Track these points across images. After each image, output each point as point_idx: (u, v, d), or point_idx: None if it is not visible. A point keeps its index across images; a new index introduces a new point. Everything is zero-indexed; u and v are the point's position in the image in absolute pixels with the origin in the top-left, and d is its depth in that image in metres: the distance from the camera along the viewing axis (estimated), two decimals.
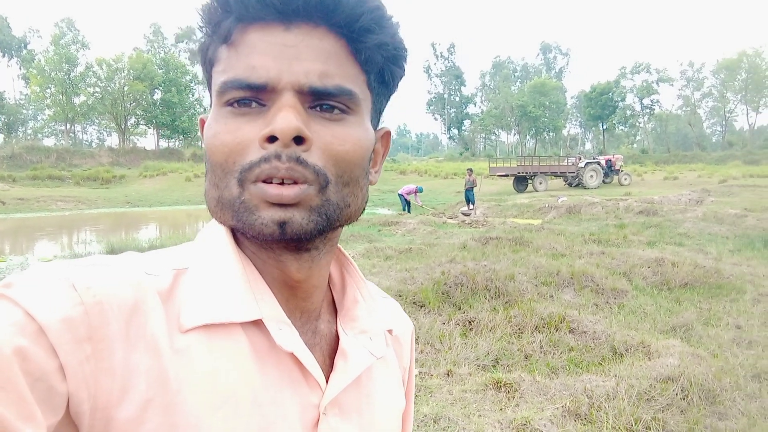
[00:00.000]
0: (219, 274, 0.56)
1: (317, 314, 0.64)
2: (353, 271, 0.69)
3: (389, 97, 0.64)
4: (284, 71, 0.52)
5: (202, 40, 0.57)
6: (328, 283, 0.67)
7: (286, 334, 0.56)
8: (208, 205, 0.57)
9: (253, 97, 0.53)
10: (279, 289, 0.59)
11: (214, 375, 0.52)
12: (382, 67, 0.58)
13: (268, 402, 0.54)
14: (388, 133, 0.67)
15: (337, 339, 0.65)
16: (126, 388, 0.48)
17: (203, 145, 0.58)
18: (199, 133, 0.65)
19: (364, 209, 0.61)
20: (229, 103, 0.54)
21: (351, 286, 0.68)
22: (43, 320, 0.44)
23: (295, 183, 0.52)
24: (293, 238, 0.54)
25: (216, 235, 0.59)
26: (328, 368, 0.61)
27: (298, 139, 0.52)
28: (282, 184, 0.52)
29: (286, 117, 0.51)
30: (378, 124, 0.64)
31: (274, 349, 0.56)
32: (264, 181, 0.52)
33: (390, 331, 0.73)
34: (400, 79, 0.62)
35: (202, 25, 0.56)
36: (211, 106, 0.59)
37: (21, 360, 0.43)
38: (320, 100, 0.54)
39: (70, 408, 0.46)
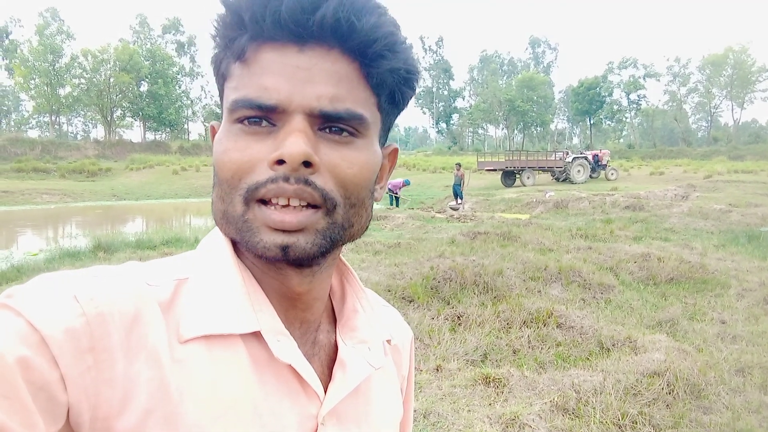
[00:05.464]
0: (219, 285, 0.56)
1: (317, 325, 0.64)
2: (353, 281, 0.69)
3: (398, 114, 0.63)
4: (296, 94, 0.52)
5: (216, 51, 0.57)
6: (328, 292, 0.67)
7: (284, 345, 0.56)
8: (215, 216, 0.58)
9: (263, 116, 0.53)
10: (279, 300, 0.59)
11: (214, 385, 0.52)
12: (393, 89, 0.57)
13: (267, 412, 0.54)
14: (395, 150, 0.67)
15: (336, 349, 0.65)
16: (127, 398, 0.48)
17: (213, 157, 0.58)
18: (209, 141, 0.65)
19: (367, 227, 0.61)
20: (240, 121, 0.54)
21: (351, 296, 0.68)
22: (46, 331, 0.45)
23: (303, 206, 0.53)
24: (296, 261, 0.54)
25: (217, 245, 0.59)
26: (327, 378, 0.62)
27: (306, 163, 0.52)
28: (287, 206, 0.52)
29: (296, 142, 0.51)
30: (386, 140, 0.64)
31: (273, 360, 0.56)
32: (269, 203, 0.53)
33: (389, 341, 0.73)
34: (411, 98, 0.62)
35: (215, 35, 0.56)
36: (222, 119, 0.59)
37: (23, 369, 0.43)
38: (330, 123, 0.54)
39: (71, 418, 0.46)
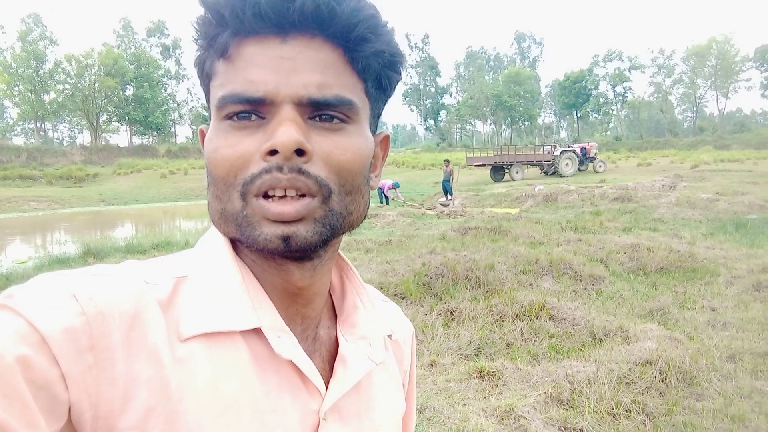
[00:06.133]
0: (218, 282, 0.56)
1: (318, 320, 0.64)
2: (353, 277, 0.69)
3: (386, 101, 0.63)
4: (282, 84, 0.52)
5: (198, 53, 0.57)
6: (329, 288, 0.67)
7: (284, 342, 0.56)
8: (212, 217, 0.57)
9: (252, 110, 0.53)
10: (279, 296, 0.59)
11: (215, 383, 0.52)
12: (379, 73, 0.58)
13: (268, 409, 0.54)
14: (386, 137, 0.67)
15: (336, 345, 0.65)
16: (128, 397, 0.48)
17: (204, 158, 0.58)
18: (199, 145, 0.64)
19: (365, 215, 0.60)
20: (229, 117, 0.54)
21: (351, 292, 0.68)
22: (46, 330, 0.45)
23: (299, 196, 0.52)
24: (298, 251, 0.54)
25: (215, 243, 0.59)
26: (328, 374, 0.62)
27: (299, 152, 0.52)
28: (284, 197, 0.52)
29: (287, 131, 0.51)
30: (377, 128, 0.64)
31: (274, 356, 0.56)
32: (265, 196, 0.52)
33: (390, 336, 0.73)
34: (397, 83, 0.61)
35: (196, 37, 0.56)
36: (209, 119, 0.59)
37: (24, 368, 0.43)
38: (319, 111, 0.54)
39: (72, 416, 0.46)
